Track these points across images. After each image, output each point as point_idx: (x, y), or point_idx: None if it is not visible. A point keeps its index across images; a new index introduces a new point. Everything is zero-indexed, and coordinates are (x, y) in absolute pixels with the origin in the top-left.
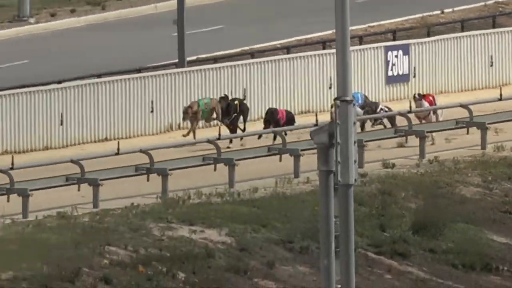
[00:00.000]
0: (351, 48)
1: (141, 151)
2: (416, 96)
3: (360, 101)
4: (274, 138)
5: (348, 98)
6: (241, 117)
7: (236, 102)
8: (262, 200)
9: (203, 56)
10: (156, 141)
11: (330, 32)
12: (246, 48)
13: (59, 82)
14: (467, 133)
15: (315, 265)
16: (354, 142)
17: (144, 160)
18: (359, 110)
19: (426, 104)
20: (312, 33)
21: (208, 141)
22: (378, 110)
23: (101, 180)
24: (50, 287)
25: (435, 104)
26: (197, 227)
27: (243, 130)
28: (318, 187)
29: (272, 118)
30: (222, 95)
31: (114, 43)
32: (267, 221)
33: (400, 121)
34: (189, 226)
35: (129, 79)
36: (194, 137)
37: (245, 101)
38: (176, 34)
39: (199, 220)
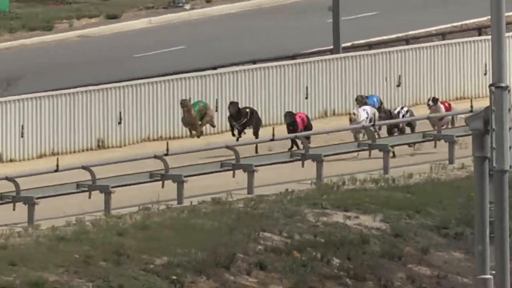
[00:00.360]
0: (507, 34)
1: (296, 137)
2: (430, 102)
3: (376, 105)
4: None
5: (503, 84)
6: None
7: (247, 110)
8: (416, 186)
9: (358, 42)
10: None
11: (485, 18)
12: (401, 34)
13: (214, 68)
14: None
15: (469, 251)
16: (510, 128)
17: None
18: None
19: (442, 109)
20: (468, 19)
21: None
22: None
23: (255, 166)
24: (204, 272)
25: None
26: (351, 213)
27: (256, 137)
28: (473, 173)
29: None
30: (232, 100)
31: (268, 29)
32: (422, 207)
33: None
34: (343, 212)
35: (283, 65)
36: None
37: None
38: (331, 20)
39: (354, 206)
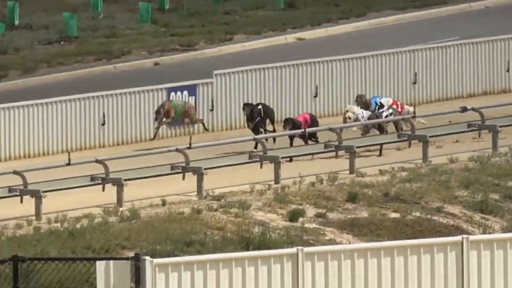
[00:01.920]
0: None
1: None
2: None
3: (373, 107)
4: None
5: None
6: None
7: (259, 107)
8: None
9: None
10: None
11: None
12: None
13: None
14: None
15: None
16: None
17: None
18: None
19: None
20: None
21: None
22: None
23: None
24: None
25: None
26: None
27: (273, 131)
28: None
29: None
30: (245, 102)
31: None
32: None
33: None
34: None
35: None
36: (154, 136)
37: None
38: None
39: None
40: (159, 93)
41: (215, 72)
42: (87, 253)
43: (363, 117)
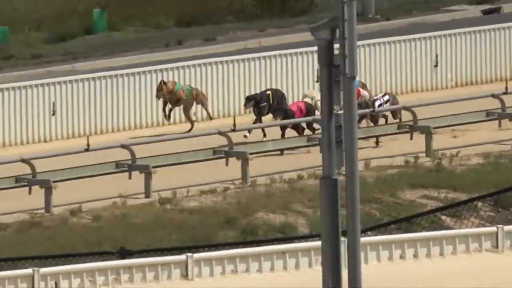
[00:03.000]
0: None
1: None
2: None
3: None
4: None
5: None
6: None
7: (268, 92)
8: None
9: None
10: None
11: None
12: None
13: None
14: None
15: None
16: None
17: None
18: (366, 94)
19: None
20: None
21: None
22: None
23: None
24: None
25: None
26: None
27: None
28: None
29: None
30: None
31: None
32: None
33: None
34: None
35: None
36: (167, 118)
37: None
38: None
39: None
40: None
41: None
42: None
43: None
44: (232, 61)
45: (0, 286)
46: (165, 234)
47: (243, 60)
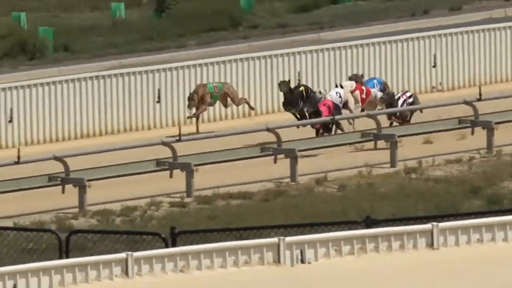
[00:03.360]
0: None
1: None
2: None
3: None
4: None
5: None
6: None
7: (301, 88)
8: None
9: None
10: None
11: None
12: None
13: None
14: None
15: None
16: None
17: None
18: (378, 93)
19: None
20: None
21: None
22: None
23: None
24: None
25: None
26: None
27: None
28: None
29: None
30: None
31: None
32: None
33: None
34: None
35: None
36: (197, 124)
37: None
38: None
39: None
40: None
41: None
42: None
43: (341, 99)
44: (477, 30)
45: (245, 255)
46: (410, 203)
47: (488, 30)
